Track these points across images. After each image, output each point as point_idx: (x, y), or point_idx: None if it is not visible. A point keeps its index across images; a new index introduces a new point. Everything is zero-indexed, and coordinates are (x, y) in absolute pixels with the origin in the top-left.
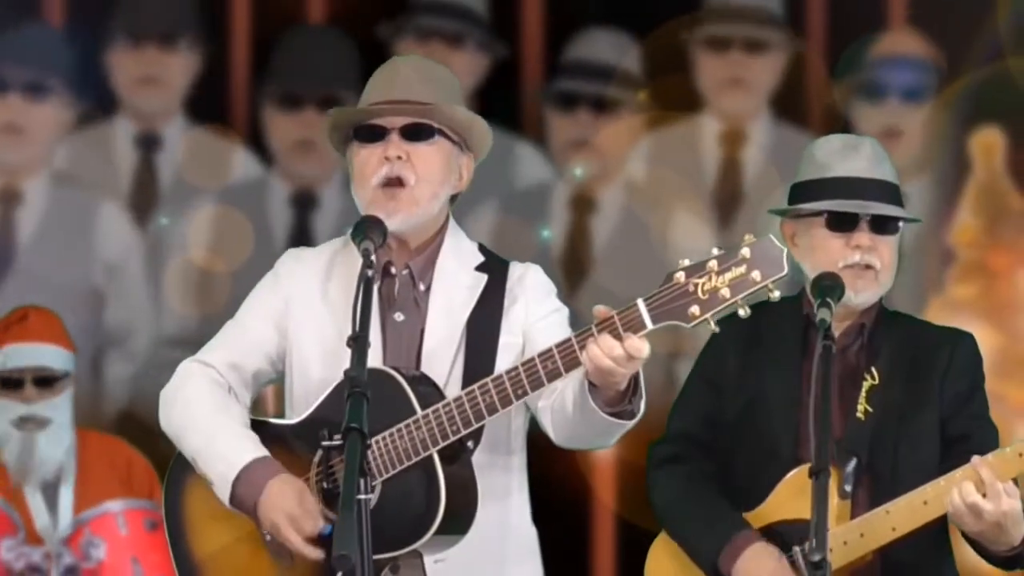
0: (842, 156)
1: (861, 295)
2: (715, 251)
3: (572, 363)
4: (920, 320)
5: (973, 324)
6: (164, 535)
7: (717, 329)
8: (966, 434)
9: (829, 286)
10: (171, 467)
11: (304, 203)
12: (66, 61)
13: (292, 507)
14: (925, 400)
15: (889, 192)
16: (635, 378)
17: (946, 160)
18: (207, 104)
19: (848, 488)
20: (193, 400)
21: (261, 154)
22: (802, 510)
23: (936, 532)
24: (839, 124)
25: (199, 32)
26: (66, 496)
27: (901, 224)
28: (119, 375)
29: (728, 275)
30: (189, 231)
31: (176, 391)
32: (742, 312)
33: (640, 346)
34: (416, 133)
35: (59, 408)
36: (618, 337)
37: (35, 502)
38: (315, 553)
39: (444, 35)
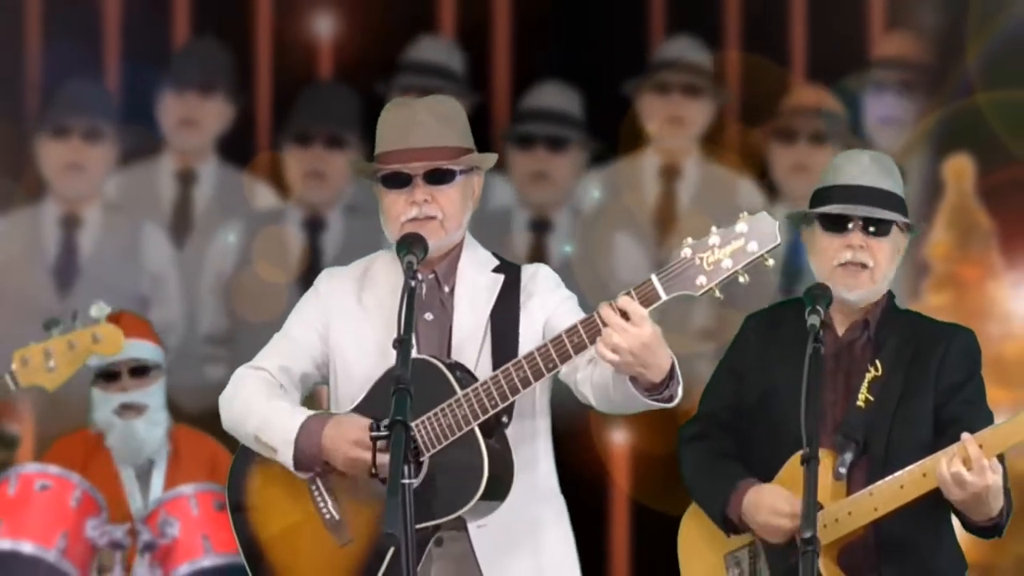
0: (842, 167)
1: (855, 292)
2: (715, 229)
3: (595, 335)
4: (926, 317)
5: None
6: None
7: (722, 296)
8: (957, 417)
9: (818, 295)
10: (232, 465)
11: (315, 227)
12: (115, 110)
13: (357, 433)
14: (921, 388)
15: (883, 198)
16: (672, 367)
17: (922, 183)
18: (236, 146)
19: (842, 471)
20: (249, 394)
21: (281, 190)
22: (801, 491)
23: (930, 507)
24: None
25: (233, 84)
26: (157, 482)
27: (896, 227)
28: None
29: (728, 248)
30: (227, 250)
31: (233, 392)
32: (742, 279)
33: (629, 303)
34: (439, 177)
35: (153, 395)
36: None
37: (130, 486)
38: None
39: (423, 90)
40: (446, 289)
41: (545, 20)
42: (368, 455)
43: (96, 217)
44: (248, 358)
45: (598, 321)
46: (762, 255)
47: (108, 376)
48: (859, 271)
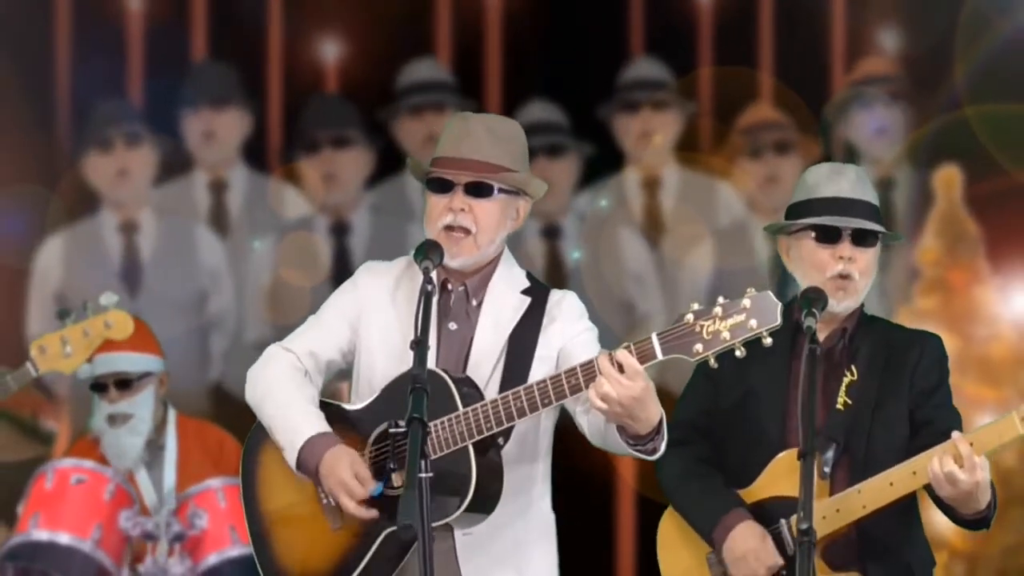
0: (829, 180)
1: (842, 304)
2: (720, 300)
3: (591, 380)
4: (894, 324)
5: (935, 330)
6: None
7: (716, 365)
8: (931, 419)
9: (814, 298)
10: (249, 436)
11: (341, 231)
12: (141, 122)
13: (345, 475)
14: (897, 392)
15: (868, 210)
16: (660, 422)
17: (913, 192)
18: (256, 157)
19: (827, 470)
20: (273, 379)
21: (306, 194)
22: (787, 488)
23: (906, 506)
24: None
25: (243, 96)
26: (169, 476)
27: (879, 239)
28: (219, 348)
29: (730, 321)
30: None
31: (261, 370)
32: (739, 353)
33: (626, 357)
34: (478, 190)
35: (139, 404)
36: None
37: (143, 482)
38: (366, 514)
39: (430, 107)
40: (474, 303)
41: (533, 43)
42: (346, 501)
43: (151, 222)
44: None
45: (596, 368)
46: (760, 332)
47: (98, 387)
48: (844, 282)
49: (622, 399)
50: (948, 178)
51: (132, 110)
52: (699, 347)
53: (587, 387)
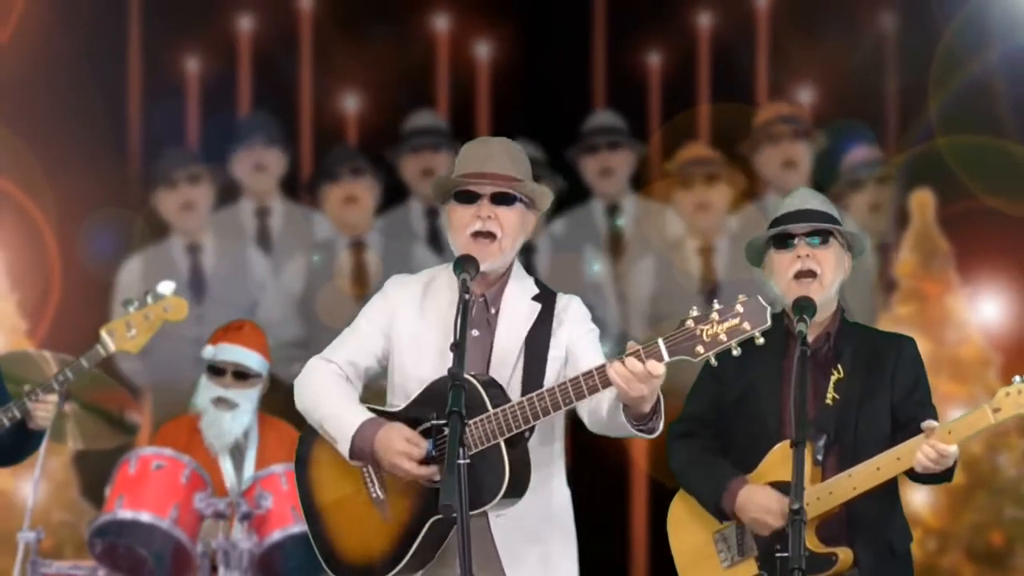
0: (786, 201)
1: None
2: (716, 305)
3: (607, 382)
4: (871, 328)
5: (911, 334)
6: None
7: (716, 364)
8: (913, 416)
9: (804, 306)
10: (303, 435)
11: (359, 249)
12: (198, 161)
13: (400, 444)
14: (879, 389)
15: (816, 215)
16: (657, 403)
17: (891, 213)
18: (289, 187)
19: (819, 457)
20: (319, 386)
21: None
22: (782, 474)
23: (889, 489)
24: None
25: (283, 140)
26: (250, 462)
27: (836, 242)
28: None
29: (726, 324)
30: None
31: (306, 379)
32: (735, 352)
33: (657, 367)
34: (502, 199)
35: (246, 397)
36: (641, 361)
37: (225, 466)
38: (428, 471)
39: (427, 148)
40: (492, 311)
41: (515, 97)
42: (407, 465)
43: (212, 244)
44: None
45: (607, 371)
46: (753, 333)
47: (215, 371)
48: (811, 282)
49: (646, 393)
50: (922, 201)
51: (190, 155)
52: (700, 348)
53: (603, 388)
